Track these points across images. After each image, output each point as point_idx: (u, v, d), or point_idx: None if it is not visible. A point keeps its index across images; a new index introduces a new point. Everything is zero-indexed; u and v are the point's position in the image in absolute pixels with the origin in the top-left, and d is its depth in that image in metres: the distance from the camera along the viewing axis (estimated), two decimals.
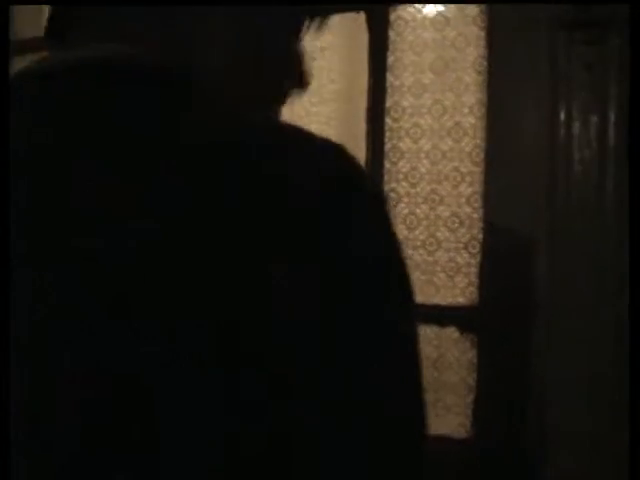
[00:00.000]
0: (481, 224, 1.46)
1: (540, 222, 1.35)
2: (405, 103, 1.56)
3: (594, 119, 1.25)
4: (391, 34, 1.59)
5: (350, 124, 1.63)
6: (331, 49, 1.72)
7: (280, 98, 0.71)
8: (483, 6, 1.50)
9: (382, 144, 1.56)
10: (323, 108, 1.70)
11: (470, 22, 1.52)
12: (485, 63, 1.47)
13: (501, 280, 1.41)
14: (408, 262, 0.59)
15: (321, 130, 1.67)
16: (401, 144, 1.56)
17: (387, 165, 1.56)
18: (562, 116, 1.29)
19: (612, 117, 1.25)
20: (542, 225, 1.35)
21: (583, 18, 1.16)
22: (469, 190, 1.49)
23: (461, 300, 1.51)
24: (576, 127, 1.28)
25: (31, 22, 2.26)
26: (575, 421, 1.33)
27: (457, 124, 1.51)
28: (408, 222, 1.54)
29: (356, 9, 1.62)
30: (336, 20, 1.70)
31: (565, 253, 1.33)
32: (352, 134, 1.62)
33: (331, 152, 0.61)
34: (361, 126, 1.58)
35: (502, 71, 1.42)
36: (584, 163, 1.28)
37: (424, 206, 1.54)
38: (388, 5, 1.59)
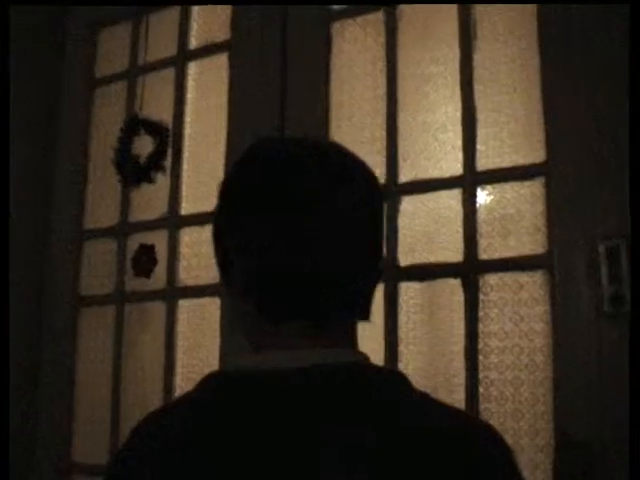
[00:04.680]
0: None
1: None
2: (492, 344, 2.12)
3: None
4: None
5: (447, 362, 2.19)
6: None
7: None
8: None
9: (477, 376, 2.10)
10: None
11: (538, 287, 2.11)
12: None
13: None
14: None
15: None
16: (491, 375, 2.10)
17: (481, 390, 2.09)
18: None
19: None
20: None
21: None
22: None
23: None
24: None
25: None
26: None
27: (532, 360, 2.06)
28: None
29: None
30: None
31: None
32: (449, 371, 2.17)
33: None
34: (459, 361, 2.14)
35: None
36: None
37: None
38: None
